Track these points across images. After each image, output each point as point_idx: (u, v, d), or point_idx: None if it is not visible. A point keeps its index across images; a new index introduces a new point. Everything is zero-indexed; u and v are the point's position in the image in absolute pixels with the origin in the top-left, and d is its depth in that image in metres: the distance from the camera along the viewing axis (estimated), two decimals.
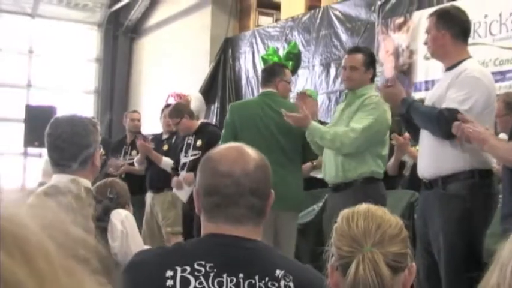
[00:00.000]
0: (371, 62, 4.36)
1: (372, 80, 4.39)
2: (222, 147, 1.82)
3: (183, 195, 5.87)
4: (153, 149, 6.56)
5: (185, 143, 6.07)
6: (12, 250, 0.51)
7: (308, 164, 5.23)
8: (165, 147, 6.62)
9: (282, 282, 1.67)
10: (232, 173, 1.69)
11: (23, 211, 0.55)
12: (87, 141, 2.60)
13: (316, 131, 4.21)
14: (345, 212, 1.62)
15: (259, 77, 5.43)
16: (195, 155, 5.82)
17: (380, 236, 1.53)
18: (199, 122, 6.32)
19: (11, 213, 0.53)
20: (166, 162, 6.35)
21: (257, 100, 4.91)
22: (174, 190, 5.99)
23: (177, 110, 6.18)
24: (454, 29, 3.61)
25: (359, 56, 4.32)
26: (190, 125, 6.08)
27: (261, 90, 4.95)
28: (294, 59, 8.04)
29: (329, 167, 4.26)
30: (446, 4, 6.23)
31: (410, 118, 3.66)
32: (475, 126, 3.22)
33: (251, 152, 1.77)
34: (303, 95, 5.65)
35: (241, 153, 1.75)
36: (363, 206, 1.62)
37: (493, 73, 5.61)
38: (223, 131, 4.80)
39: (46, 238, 0.54)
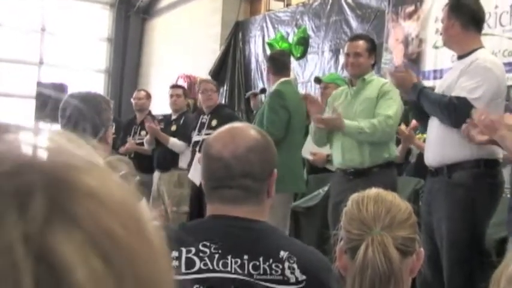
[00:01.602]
0: (373, 48, 4.43)
1: (373, 66, 4.47)
2: (217, 131, 1.82)
3: (196, 178, 5.93)
4: (160, 130, 6.68)
5: (199, 121, 6.17)
6: (128, 222, 0.42)
7: (324, 156, 5.25)
8: (173, 128, 6.68)
9: (286, 264, 1.66)
10: (222, 157, 1.71)
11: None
12: (100, 119, 2.61)
13: (353, 128, 4.18)
14: (355, 196, 1.63)
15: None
16: (208, 134, 5.89)
17: (389, 220, 1.54)
18: (217, 103, 6.45)
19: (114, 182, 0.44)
20: (173, 142, 6.45)
21: (294, 89, 5.02)
22: (190, 175, 6.05)
23: (215, 83, 6.41)
24: (463, 18, 3.62)
25: (362, 43, 4.38)
26: (216, 101, 6.24)
27: (282, 78, 4.91)
28: (305, 43, 8.09)
29: (351, 155, 4.25)
30: None
31: (420, 104, 3.68)
32: (488, 115, 3.23)
33: (248, 133, 1.77)
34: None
35: (232, 137, 1.75)
36: (373, 191, 1.63)
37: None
38: (275, 115, 4.77)
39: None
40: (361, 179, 4.12)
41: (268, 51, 8.50)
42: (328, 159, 5.32)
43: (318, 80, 5.95)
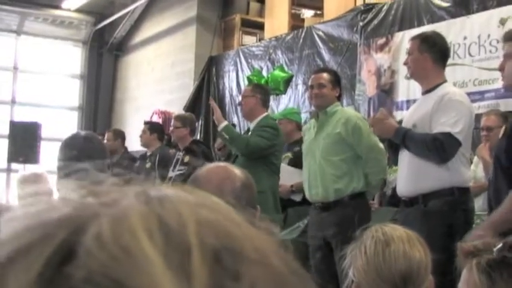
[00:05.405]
0: (336, 80, 4.50)
1: (338, 99, 4.53)
2: (207, 167, 1.86)
3: None
4: (136, 167, 6.69)
5: (175, 158, 6.17)
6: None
7: (287, 187, 5.33)
8: (148, 165, 6.65)
9: None
10: (222, 194, 1.73)
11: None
12: (104, 159, 2.65)
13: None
14: (381, 249, 1.59)
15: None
16: (180, 170, 5.89)
17: (419, 279, 1.57)
18: (191, 139, 6.41)
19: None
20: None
21: None
22: None
23: (184, 118, 6.34)
24: (435, 53, 3.75)
25: (325, 75, 4.47)
26: (183, 137, 6.17)
27: (267, 112, 5.05)
28: (289, 81, 8.17)
29: (315, 189, 4.32)
30: (427, 26, 6.39)
31: (405, 146, 3.72)
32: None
33: (236, 171, 1.83)
34: None
35: (227, 173, 1.81)
36: (401, 246, 1.60)
37: (472, 93, 5.78)
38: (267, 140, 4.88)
39: None
40: (329, 213, 4.20)
41: (243, 85, 8.56)
42: (293, 190, 5.36)
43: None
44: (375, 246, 1.57)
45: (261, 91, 5.03)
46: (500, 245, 1.21)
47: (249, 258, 0.40)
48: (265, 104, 4.99)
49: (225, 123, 4.89)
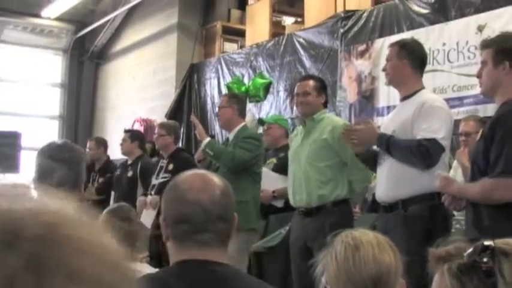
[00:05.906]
0: (322, 87, 4.52)
1: (324, 106, 4.55)
2: (186, 175, 1.85)
3: (147, 221, 5.87)
4: (117, 176, 6.64)
5: (159, 166, 6.16)
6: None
7: (269, 192, 5.34)
8: (130, 174, 6.61)
9: None
10: (200, 201, 1.74)
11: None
12: (82, 169, 2.62)
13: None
14: (350, 254, 1.61)
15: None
16: (164, 177, 5.88)
17: (390, 282, 1.58)
18: (175, 147, 6.41)
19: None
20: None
21: None
22: (142, 219, 5.99)
23: (169, 126, 6.32)
24: (414, 60, 3.80)
25: (310, 82, 4.50)
26: (167, 145, 6.16)
27: (245, 121, 5.13)
28: (268, 88, 8.19)
29: (300, 195, 4.33)
30: (407, 33, 6.44)
31: (389, 152, 3.73)
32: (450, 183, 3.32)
33: (215, 179, 1.83)
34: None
35: (207, 181, 1.80)
36: (371, 250, 1.62)
37: (451, 99, 5.83)
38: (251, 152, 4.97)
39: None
40: (312, 218, 4.22)
41: (225, 92, 8.56)
42: (274, 195, 5.38)
43: (261, 122, 6.05)
44: (345, 251, 1.60)
45: (237, 101, 5.09)
46: (470, 250, 1.24)
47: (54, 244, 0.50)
48: (242, 114, 5.07)
49: (208, 139, 4.88)
